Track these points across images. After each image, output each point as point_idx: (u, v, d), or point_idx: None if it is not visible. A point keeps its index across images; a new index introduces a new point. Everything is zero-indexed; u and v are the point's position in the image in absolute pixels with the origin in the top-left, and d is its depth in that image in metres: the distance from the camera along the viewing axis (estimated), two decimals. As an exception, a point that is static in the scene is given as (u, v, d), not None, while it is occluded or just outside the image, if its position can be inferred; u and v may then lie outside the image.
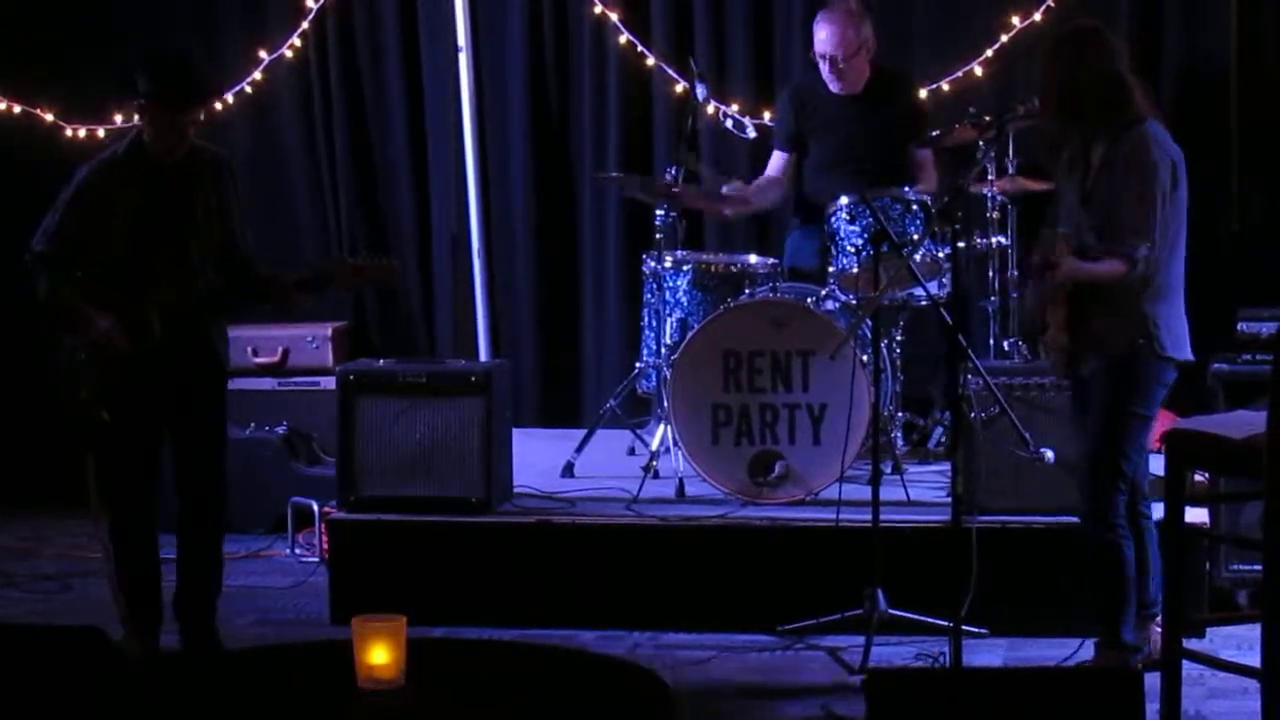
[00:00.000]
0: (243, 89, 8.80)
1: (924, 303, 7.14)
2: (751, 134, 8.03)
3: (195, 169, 6.30)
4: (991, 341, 7.42)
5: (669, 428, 7.19)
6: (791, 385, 7.03)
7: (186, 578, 6.42)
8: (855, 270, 7.18)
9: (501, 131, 8.81)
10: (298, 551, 7.86)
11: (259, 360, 8.57)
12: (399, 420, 6.99)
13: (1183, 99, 7.98)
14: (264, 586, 7.43)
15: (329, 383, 7.80)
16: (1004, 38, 8.11)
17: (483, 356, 8.77)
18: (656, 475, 7.20)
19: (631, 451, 7.85)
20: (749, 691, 6.14)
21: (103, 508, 6.36)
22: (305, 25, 8.79)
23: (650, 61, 8.54)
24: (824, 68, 7.69)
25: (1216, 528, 6.62)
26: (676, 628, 6.72)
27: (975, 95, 7.91)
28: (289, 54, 8.82)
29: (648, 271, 7.59)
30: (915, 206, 7.19)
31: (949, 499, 6.12)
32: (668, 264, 7.46)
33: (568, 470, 7.57)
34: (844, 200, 7.27)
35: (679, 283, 7.49)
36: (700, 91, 7.69)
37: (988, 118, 7.16)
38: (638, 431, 7.93)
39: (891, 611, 6.32)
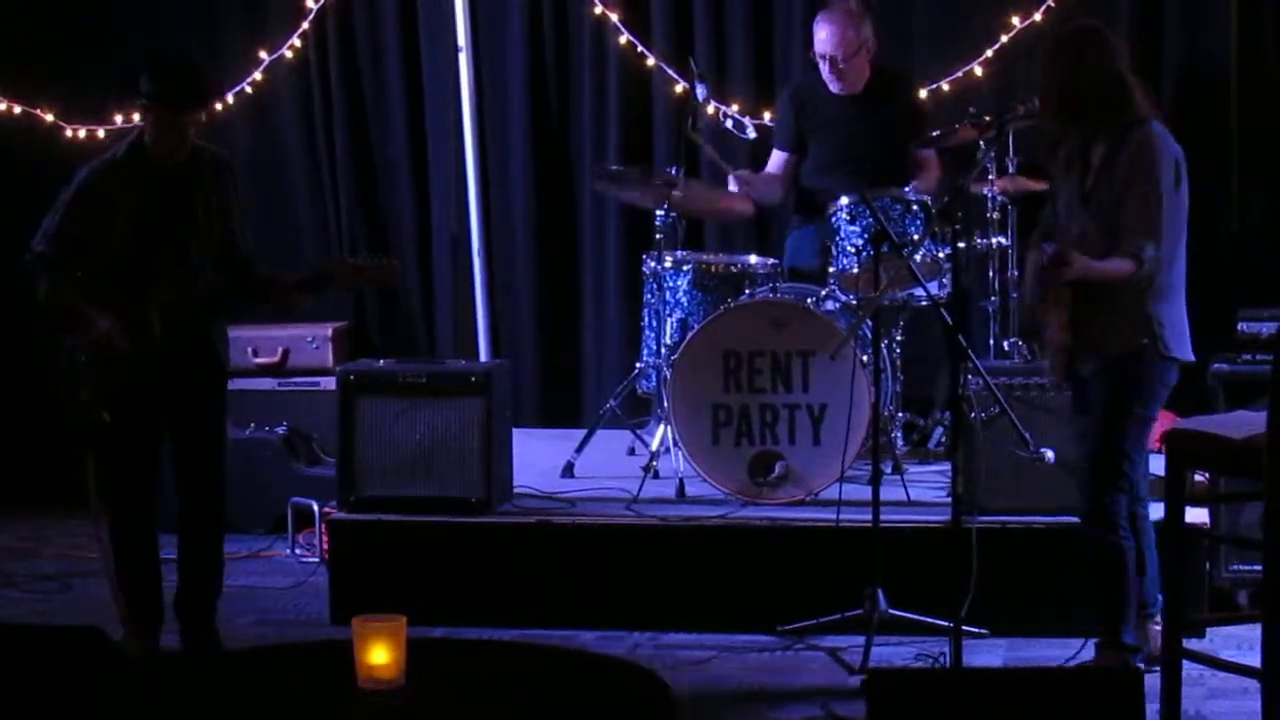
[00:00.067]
0: (243, 89, 8.80)
1: (924, 303, 7.14)
2: (751, 134, 8.02)
3: (196, 169, 6.29)
4: (991, 341, 7.41)
5: (669, 428, 7.19)
6: (791, 385, 7.02)
7: (187, 578, 6.42)
8: (855, 270, 7.17)
9: (501, 131, 8.81)
10: (298, 551, 7.86)
11: (259, 360, 8.56)
12: (399, 420, 6.98)
13: (1183, 99, 7.98)
14: (264, 586, 7.42)
15: (329, 383, 7.80)
16: (1004, 38, 8.11)
17: (483, 356, 8.77)
18: (656, 475, 7.19)
19: (631, 451, 7.85)
20: (749, 691, 6.13)
21: (103, 508, 6.36)
22: (305, 25, 8.79)
23: (650, 61, 8.53)
24: (824, 68, 7.69)
25: (1216, 528, 6.61)
26: (676, 628, 6.72)
27: (975, 95, 7.91)
28: (289, 54, 8.81)
29: (648, 271, 7.59)
30: (915, 206, 7.19)
31: (949, 499, 6.12)
32: (668, 264, 7.45)
33: (568, 470, 7.56)
34: (844, 200, 7.27)
35: (679, 283, 7.49)
36: (700, 91, 7.69)
37: (988, 118, 7.16)
38: (638, 432, 7.93)
39: (891, 611, 6.31)
